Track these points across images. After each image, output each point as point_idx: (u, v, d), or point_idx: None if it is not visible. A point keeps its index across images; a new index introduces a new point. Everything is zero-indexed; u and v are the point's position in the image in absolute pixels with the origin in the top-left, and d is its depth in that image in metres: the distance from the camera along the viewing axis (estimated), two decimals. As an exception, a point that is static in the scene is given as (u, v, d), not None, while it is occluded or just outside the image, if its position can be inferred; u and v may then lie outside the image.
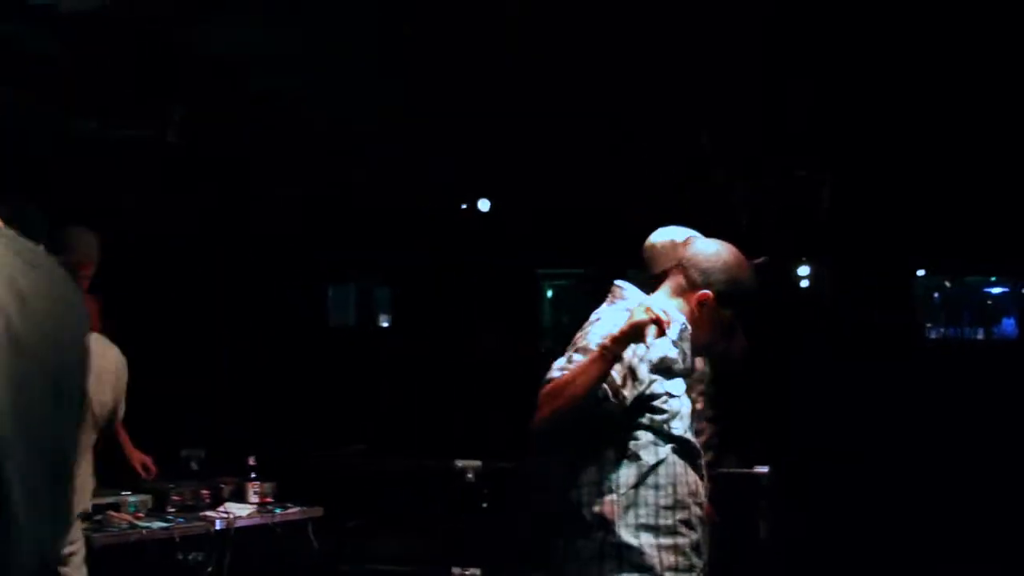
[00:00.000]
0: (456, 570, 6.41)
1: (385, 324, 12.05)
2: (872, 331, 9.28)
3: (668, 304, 2.93)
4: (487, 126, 7.03)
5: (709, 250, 3.02)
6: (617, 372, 2.73)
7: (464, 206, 9.31)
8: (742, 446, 6.83)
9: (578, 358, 2.76)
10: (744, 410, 5.94)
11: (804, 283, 9.54)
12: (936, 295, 11.00)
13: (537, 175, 8.30)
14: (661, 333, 2.65)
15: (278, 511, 5.21)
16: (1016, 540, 6.99)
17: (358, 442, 8.69)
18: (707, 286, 2.94)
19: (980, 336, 10.85)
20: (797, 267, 9.41)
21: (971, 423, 8.64)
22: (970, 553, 7.16)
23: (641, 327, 2.63)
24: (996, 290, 10.91)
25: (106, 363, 4.19)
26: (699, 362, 5.41)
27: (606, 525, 2.78)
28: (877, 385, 8.85)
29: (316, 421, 9.30)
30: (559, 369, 2.76)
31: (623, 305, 2.93)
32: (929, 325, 10.78)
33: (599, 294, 3.17)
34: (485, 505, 6.58)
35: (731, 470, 6.58)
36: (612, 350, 2.67)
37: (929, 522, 7.62)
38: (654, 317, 2.63)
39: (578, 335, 2.89)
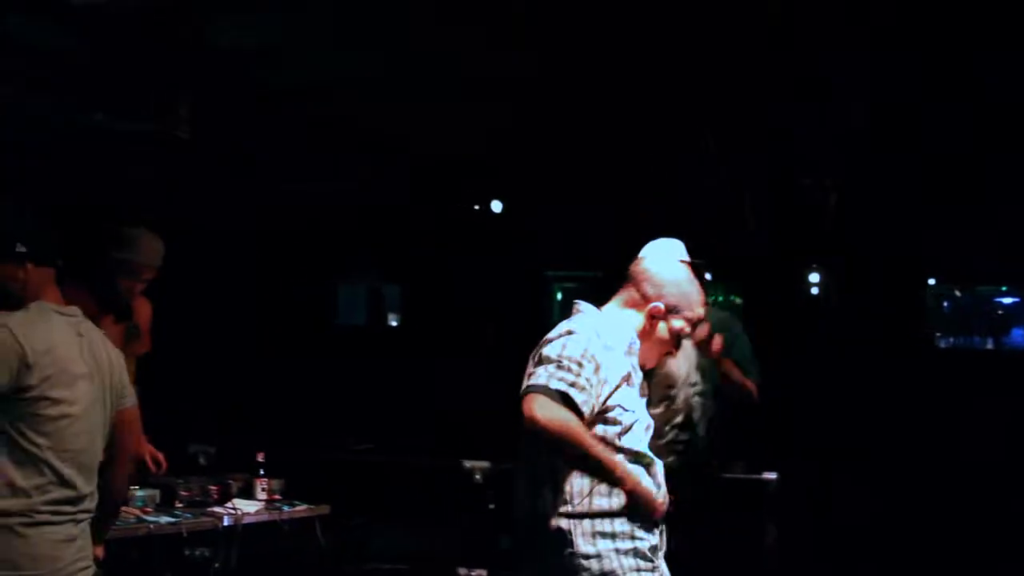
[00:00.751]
0: (462, 570, 6.43)
1: (394, 323, 12.07)
2: (881, 339, 9.26)
3: (619, 315, 3.07)
4: (501, 127, 7.03)
5: (660, 263, 3.13)
6: (586, 394, 2.81)
7: (476, 207, 9.32)
8: (750, 452, 6.84)
9: (568, 364, 2.82)
10: (752, 418, 5.95)
11: (814, 290, 9.53)
12: (946, 304, 10.96)
13: (549, 177, 8.30)
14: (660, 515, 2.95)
15: (286, 508, 5.23)
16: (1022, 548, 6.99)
17: (366, 441, 8.71)
18: (658, 299, 3.05)
19: (990, 346, 10.81)
20: (808, 274, 9.40)
21: (979, 433, 8.62)
22: (976, 562, 7.16)
23: (656, 510, 2.91)
24: (1007, 300, 10.87)
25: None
26: (681, 366, 5.45)
27: (563, 537, 2.85)
28: (885, 394, 8.84)
29: (325, 419, 9.32)
30: (558, 379, 2.80)
31: (589, 321, 3.02)
32: (939, 334, 10.74)
33: (607, 297, 3.21)
34: (492, 506, 6.60)
35: (738, 476, 6.59)
36: (625, 484, 2.83)
37: (936, 530, 7.61)
38: (665, 509, 2.94)
39: (555, 340, 2.93)
